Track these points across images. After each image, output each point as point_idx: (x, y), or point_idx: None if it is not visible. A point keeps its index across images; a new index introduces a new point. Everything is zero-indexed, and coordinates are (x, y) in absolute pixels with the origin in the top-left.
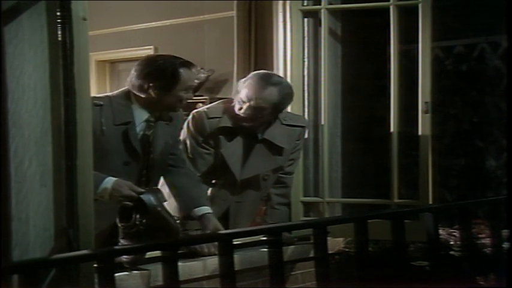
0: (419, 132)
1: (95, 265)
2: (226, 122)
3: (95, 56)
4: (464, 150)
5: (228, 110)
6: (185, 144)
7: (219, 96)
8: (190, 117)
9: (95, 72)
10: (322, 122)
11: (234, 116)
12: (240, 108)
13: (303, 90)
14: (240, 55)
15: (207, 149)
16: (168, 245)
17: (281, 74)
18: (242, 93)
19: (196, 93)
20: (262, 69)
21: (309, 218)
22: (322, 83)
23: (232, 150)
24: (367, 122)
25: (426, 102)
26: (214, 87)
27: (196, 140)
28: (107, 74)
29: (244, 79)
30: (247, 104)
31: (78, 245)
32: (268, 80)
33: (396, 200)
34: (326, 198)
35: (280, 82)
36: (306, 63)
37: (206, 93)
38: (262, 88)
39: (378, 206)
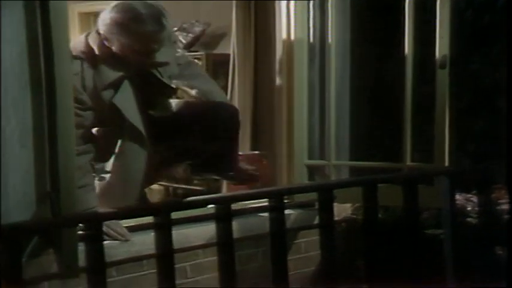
0: (436, 90)
1: (81, 232)
2: (113, 66)
3: (78, 8)
4: (485, 110)
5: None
6: None
7: (216, 51)
8: None
9: (78, 25)
10: (329, 78)
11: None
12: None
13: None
14: (239, 8)
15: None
16: (160, 210)
17: (284, 33)
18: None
19: (192, 49)
20: (263, 23)
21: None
22: (329, 35)
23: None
24: (379, 78)
25: (444, 55)
26: (211, 41)
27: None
28: (91, 27)
29: (109, 19)
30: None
31: (61, 209)
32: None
33: (409, 163)
34: (332, 161)
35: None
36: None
37: (202, 48)
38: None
39: (389, 170)
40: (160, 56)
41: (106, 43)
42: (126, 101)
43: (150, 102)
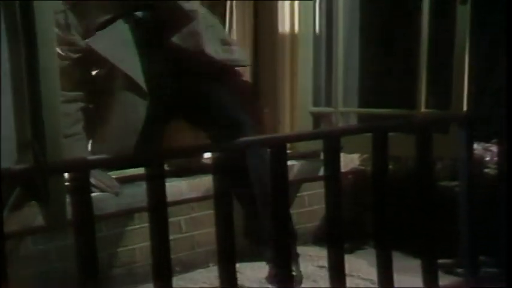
0: (455, 28)
1: (67, 183)
2: None
3: None
4: (510, 51)
5: None
6: None
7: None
8: None
9: None
10: (336, 17)
11: None
12: None
13: None
14: None
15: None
16: (153, 159)
17: None
18: None
19: None
20: None
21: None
22: None
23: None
24: (391, 16)
25: None
26: None
27: None
28: None
29: None
30: None
31: (46, 158)
32: None
33: (423, 110)
34: (339, 107)
35: None
36: None
37: None
38: None
39: (401, 117)
40: None
41: None
42: (112, 43)
43: (171, 33)
